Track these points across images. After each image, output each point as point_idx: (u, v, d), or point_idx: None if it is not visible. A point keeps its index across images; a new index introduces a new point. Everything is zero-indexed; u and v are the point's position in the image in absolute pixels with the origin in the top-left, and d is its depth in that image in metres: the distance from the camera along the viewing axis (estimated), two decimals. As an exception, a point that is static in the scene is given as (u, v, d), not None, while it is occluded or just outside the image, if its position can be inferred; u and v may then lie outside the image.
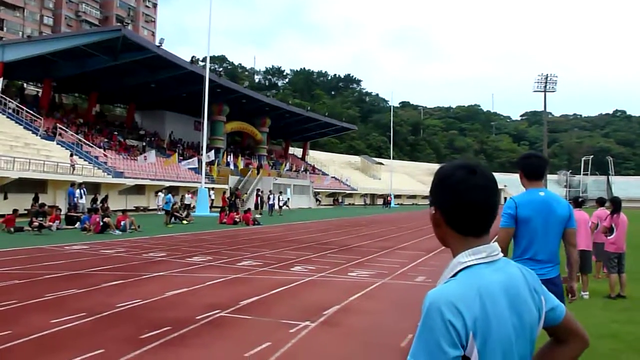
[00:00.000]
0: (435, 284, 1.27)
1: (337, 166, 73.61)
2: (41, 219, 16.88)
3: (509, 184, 65.84)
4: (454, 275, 1.26)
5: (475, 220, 1.29)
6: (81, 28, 73.01)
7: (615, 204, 8.30)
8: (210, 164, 38.73)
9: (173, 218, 22.04)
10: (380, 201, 65.10)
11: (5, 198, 23.61)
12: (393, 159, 77.98)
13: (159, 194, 30.13)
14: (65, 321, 5.64)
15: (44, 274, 8.80)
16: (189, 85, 39.06)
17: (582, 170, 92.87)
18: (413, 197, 77.72)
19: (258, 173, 45.23)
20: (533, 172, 3.71)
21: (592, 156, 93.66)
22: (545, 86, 75.31)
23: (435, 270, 10.21)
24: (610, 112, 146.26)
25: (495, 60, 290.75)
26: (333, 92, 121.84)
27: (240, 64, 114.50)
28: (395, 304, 7.45)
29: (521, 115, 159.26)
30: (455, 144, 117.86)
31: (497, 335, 1.19)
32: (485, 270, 1.25)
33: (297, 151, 70.72)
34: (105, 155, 32.38)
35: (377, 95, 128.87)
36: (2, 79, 31.73)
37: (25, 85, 40.87)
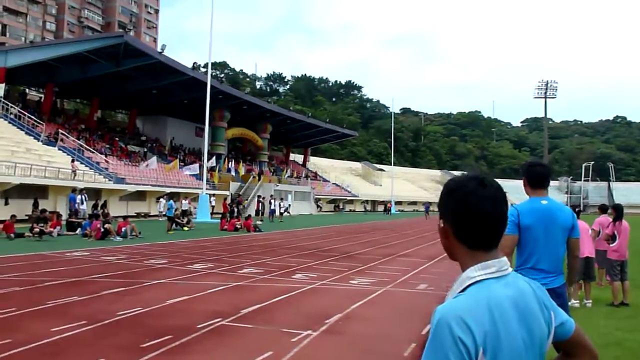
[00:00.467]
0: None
1: (338, 172, 73.54)
2: (42, 225, 16.85)
3: (510, 190, 64.10)
4: (463, 290, 1.25)
5: (485, 233, 1.28)
6: (83, 34, 73.26)
7: (618, 211, 8.31)
8: (211, 170, 38.76)
9: (174, 224, 22.03)
10: (381, 208, 65.04)
11: (7, 204, 23.63)
12: (394, 165, 77.89)
13: (161, 200, 30.16)
14: (66, 329, 5.60)
15: (44, 280, 8.77)
16: (190, 91, 39.19)
17: (582, 176, 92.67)
18: (414, 203, 77.62)
19: (259, 179, 45.19)
20: (537, 180, 3.71)
21: (592, 162, 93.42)
22: (546, 92, 75.66)
23: (437, 278, 10.14)
24: (611, 118, 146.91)
25: (496, 66, 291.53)
26: (334, 99, 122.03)
27: (241, 70, 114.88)
28: (398, 312, 7.40)
29: (522, 122, 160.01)
30: (456, 150, 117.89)
31: (507, 351, 1.19)
32: (495, 285, 1.24)
33: (298, 157, 70.64)
34: (107, 161, 32.41)
35: (378, 101, 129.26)
36: (4, 84, 31.87)
37: (27, 90, 40.99)
